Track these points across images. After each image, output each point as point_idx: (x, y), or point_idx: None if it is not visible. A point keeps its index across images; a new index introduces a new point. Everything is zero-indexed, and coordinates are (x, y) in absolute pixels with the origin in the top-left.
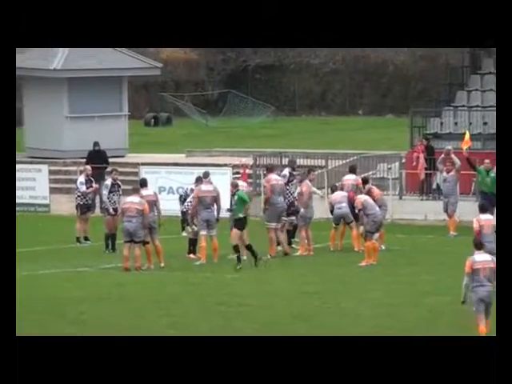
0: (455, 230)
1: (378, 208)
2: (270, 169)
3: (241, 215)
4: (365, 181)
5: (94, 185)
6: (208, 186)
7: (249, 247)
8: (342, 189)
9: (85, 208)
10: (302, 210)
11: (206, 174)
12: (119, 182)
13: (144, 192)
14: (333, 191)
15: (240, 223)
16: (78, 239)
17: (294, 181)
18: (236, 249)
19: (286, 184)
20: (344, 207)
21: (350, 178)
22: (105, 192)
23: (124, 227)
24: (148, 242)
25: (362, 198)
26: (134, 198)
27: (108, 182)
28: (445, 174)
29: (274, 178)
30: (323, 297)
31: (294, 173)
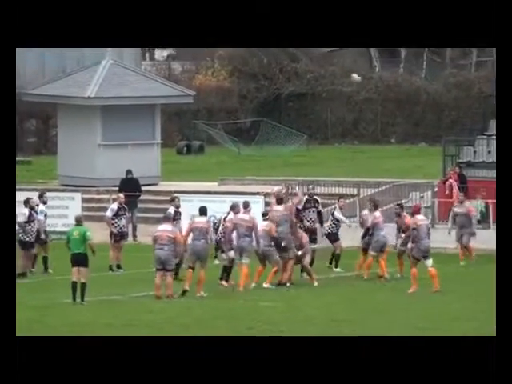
0: (471, 258)
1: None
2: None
3: (76, 251)
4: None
5: (127, 213)
6: (244, 216)
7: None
8: (361, 223)
9: (118, 236)
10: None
11: (246, 204)
12: (180, 210)
13: (196, 219)
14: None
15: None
16: (110, 267)
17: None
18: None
19: (302, 211)
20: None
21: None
22: None
23: (156, 255)
24: (193, 268)
25: (419, 220)
26: (167, 226)
27: (171, 210)
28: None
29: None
30: (353, 324)
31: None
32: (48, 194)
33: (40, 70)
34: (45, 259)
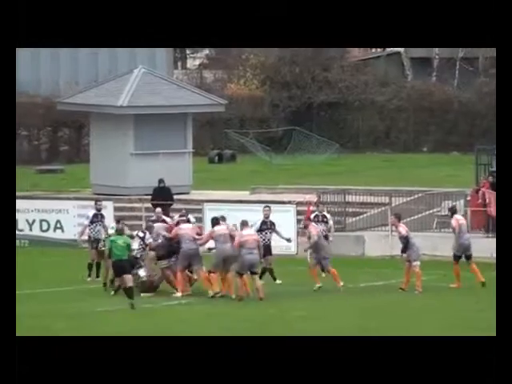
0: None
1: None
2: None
3: (119, 258)
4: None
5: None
6: (251, 231)
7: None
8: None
9: None
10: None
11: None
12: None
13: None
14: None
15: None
16: None
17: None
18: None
19: (259, 232)
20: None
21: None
22: None
23: (246, 260)
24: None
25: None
26: (250, 231)
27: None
28: None
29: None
30: (383, 333)
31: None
32: (81, 203)
33: (73, 80)
34: (90, 266)
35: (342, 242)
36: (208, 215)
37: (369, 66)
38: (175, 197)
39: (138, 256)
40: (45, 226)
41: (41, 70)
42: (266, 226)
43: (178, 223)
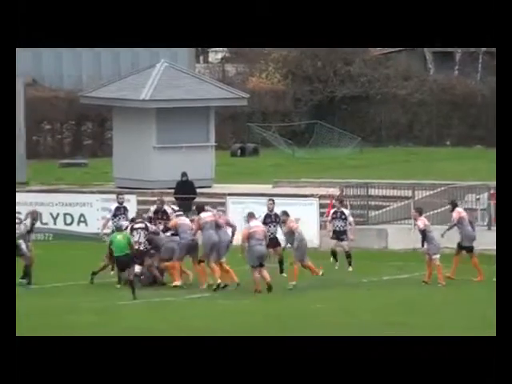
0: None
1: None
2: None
3: (121, 253)
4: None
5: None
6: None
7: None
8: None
9: None
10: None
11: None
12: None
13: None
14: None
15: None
16: None
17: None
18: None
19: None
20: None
21: None
22: None
23: (256, 251)
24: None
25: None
26: (258, 222)
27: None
28: None
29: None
30: (409, 328)
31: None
32: (104, 197)
33: (96, 74)
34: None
35: (364, 236)
36: (231, 209)
37: (391, 60)
38: (198, 190)
39: (143, 249)
40: (69, 220)
41: (63, 65)
42: (270, 219)
43: (152, 218)
